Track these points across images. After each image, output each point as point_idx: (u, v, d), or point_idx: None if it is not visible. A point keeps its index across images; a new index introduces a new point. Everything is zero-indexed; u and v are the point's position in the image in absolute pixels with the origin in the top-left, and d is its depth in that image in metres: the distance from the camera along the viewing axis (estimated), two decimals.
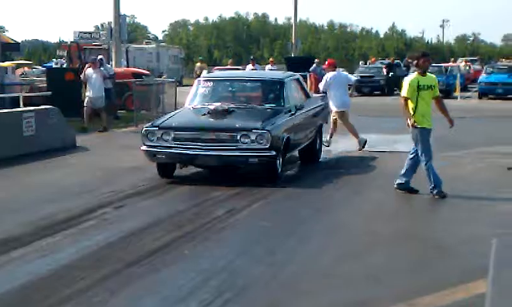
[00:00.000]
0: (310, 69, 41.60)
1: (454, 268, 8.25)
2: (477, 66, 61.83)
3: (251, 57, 39.21)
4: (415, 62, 12.07)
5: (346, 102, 18.59)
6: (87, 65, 23.78)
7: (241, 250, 9.13)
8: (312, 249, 9.18)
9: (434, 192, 11.90)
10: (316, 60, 40.22)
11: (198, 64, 46.71)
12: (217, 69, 38.99)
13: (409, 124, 12.02)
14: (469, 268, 8.16)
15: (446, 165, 14.28)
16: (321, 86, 18.57)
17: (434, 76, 12.64)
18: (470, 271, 8.02)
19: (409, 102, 12.00)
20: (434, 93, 12.16)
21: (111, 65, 29.68)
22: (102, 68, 25.68)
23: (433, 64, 48.80)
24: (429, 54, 12.63)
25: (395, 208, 11.51)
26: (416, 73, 12.17)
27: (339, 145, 18.47)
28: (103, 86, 22.91)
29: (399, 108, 12.78)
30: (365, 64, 56.85)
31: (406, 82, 12.16)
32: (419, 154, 12.10)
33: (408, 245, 9.29)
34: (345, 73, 20.53)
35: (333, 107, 18.12)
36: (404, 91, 12.08)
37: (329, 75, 18.41)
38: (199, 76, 42.49)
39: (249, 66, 35.39)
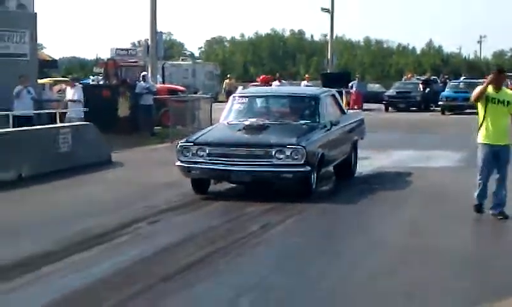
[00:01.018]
0: (352, 85, 41.53)
1: (489, 285, 8.15)
2: None
3: (277, 73, 39.10)
4: (491, 77, 11.60)
5: None
6: (64, 85, 23.96)
7: (275, 266, 9.09)
8: (346, 266, 9.12)
9: (495, 212, 11.52)
10: (357, 75, 40.08)
11: (227, 81, 46.85)
12: (253, 85, 38.94)
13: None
14: (505, 285, 8.05)
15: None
16: None
17: (509, 91, 12.14)
18: (506, 287, 7.91)
19: (479, 115, 11.60)
20: (510, 110, 11.56)
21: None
22: (144, 83, 26.03)
23: (471, 80, 48.63)
24: (504, 70, 12.08)
25: (431, 225, 11.37)
26: (490, 87, 11.58)
27: (374, 161, 18.39)
28: (79, 107, 22.75)
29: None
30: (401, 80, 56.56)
31: (477, 88, 11.79)
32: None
33: (444, 261, 9.17)
34: None
35: None
36: (475, 92, 11.65)
37: None
38: (229, 92, 42.69)
39: (276, 83, 35.18)
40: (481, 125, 11.53)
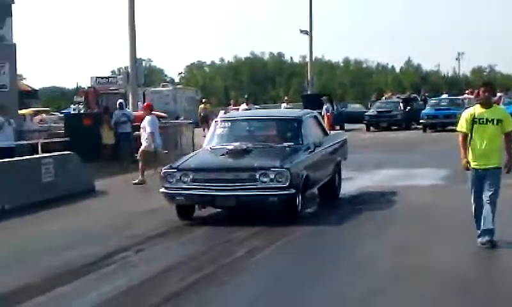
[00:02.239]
0: (325, 107, 41.25)
1: (481, 304, 8.14)
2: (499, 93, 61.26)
3: (246, 96, 38.58)
4: (476, 92, 11.05)
5: (159, 143, 20.34)
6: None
7: (263, 290, 9.05)
8: (335, 288, 9.08)
9: (480, 239, 10.72)
10: (324, 97, 39.83)
11: (202, 106, 46.46)
12: (233, 109, 38.66)
13: (463, 165, 10.79)
14: (497, 303, 8.05)
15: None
16: (150, 128, 19.86)
17: (502, 108, 11.41)
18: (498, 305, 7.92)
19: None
20: (503, 129, 10.56)
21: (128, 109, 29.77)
22: (120, 111, 25.95)
23: (450, 97, 48.86)
24: (490, 84, 11.02)
25: (417, 244, 11.35)
26: (478, 105, 10.78)
27: (358, 182, 18.40)
28: (12, 137, 22.40)
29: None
30: (378, 98, 56.31)
31: (462, 115, 10.92)
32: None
33: (432, 281, 9.15)
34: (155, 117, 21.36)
35: (143, 146, 19.91)
36: (459, 125, 10.83)
37: (148, 118, 20.10)
38: (204, 118, 42.31)
39: (243, 106, 34.70)
40: (470, 147, 10.68)
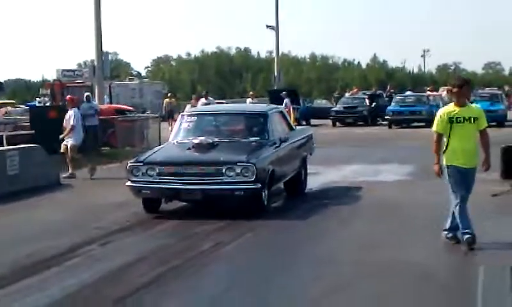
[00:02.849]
0: (284, 102, 41.28)
1: (442, 298, 8.23)
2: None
3: (204, 91, 38.63)
4: (452, 90, 10.54)
5: (77, 138, 20.30)
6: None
7: (228, 284, 9.08)
8: (300, 282, 9.13)
9: (448, 235, 10.72)
10: (283, 93, 39.75)
11: (167, 100, 46.23)
12: (195, 104, 38.58)
13: (435, 171, 10.61)
14: (456, 297, 8.15)
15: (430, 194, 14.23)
16: (73, 121, 20.02)
17: (477, 107, 11.11)
18: (458, 299, 8.01)
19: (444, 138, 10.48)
20: (479, 126, 10.44)
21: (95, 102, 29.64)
22: (88, 104, 25.81)
23: (416, 93, 49.23)
24: (468, 81, 10.77)
25: (382, 238, 11.44)
26: (452, 103, 10.60)
27: (324, 177, 18.49)
28: None
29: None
30: (341, 95, 56.40)
31: (437, 114, 10.66)
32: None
33: (395, 274, 9.24)
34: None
35: (73, 141, 19.91)
36: (434, 125, 10.59)
37: (75, 111, 20.32)
38: (169, 112, 42.20)
39: (202, 100, 34.77)
40: (447, 147, 10.41)
